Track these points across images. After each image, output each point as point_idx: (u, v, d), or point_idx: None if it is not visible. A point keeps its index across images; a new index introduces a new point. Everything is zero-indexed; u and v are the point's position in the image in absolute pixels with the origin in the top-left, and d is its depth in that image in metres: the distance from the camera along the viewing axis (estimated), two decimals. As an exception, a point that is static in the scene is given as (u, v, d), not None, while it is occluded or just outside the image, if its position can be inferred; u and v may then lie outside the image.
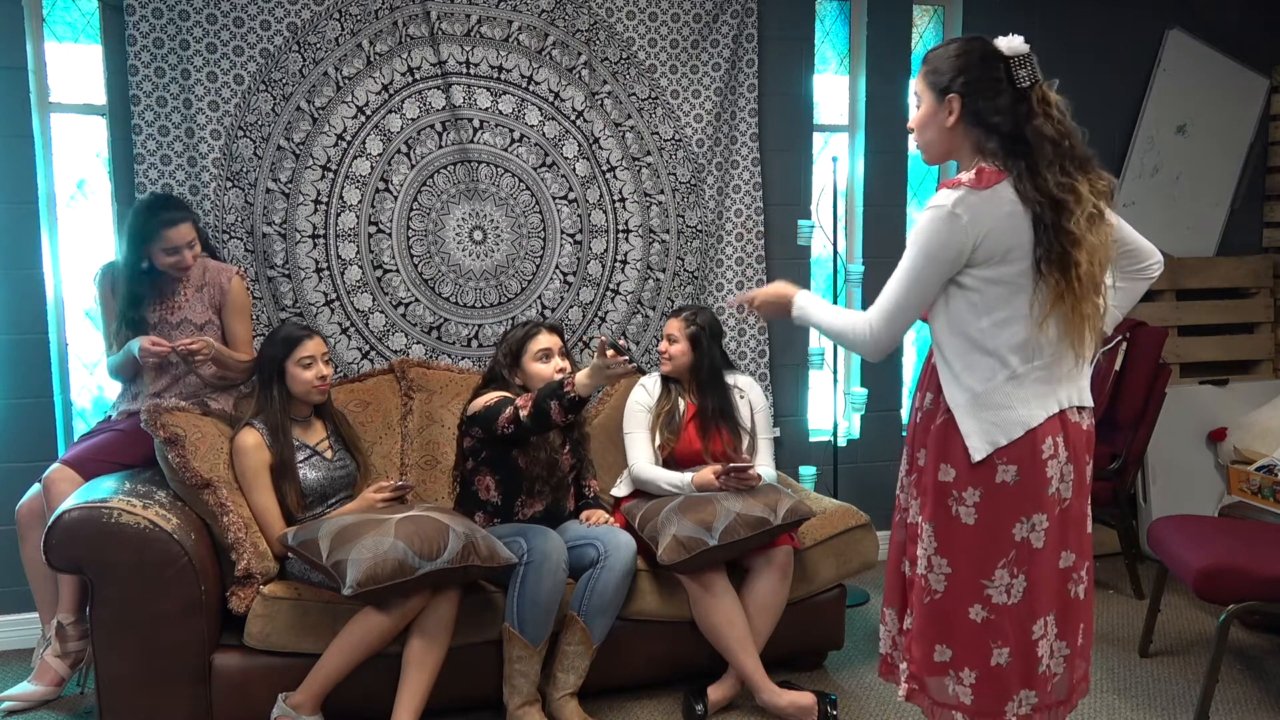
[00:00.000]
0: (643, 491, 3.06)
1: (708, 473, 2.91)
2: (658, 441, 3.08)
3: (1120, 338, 3.79)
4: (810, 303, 2.09)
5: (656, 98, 3.67)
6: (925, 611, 1.96)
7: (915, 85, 1.98)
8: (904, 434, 2.12)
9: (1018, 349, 1.87)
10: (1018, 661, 1.92)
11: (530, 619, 2.61)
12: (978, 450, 1.87)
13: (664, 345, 3.16)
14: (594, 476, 3.14)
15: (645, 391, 3.17)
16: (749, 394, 3.19)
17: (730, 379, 3.18)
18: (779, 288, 2.15)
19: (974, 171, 1.86)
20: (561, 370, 2.88)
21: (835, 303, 3.79)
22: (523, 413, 2.61)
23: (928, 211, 1.86)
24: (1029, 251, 1.84)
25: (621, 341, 2.46)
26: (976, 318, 1.87)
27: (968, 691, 1.93)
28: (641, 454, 3.07)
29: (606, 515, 2.97)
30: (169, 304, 2.92)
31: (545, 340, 2.93)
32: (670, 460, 3.07)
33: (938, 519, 1.93)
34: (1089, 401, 1.98)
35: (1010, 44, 1.90)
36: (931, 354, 1.99)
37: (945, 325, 1.92)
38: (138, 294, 2.87)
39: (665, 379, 3.17)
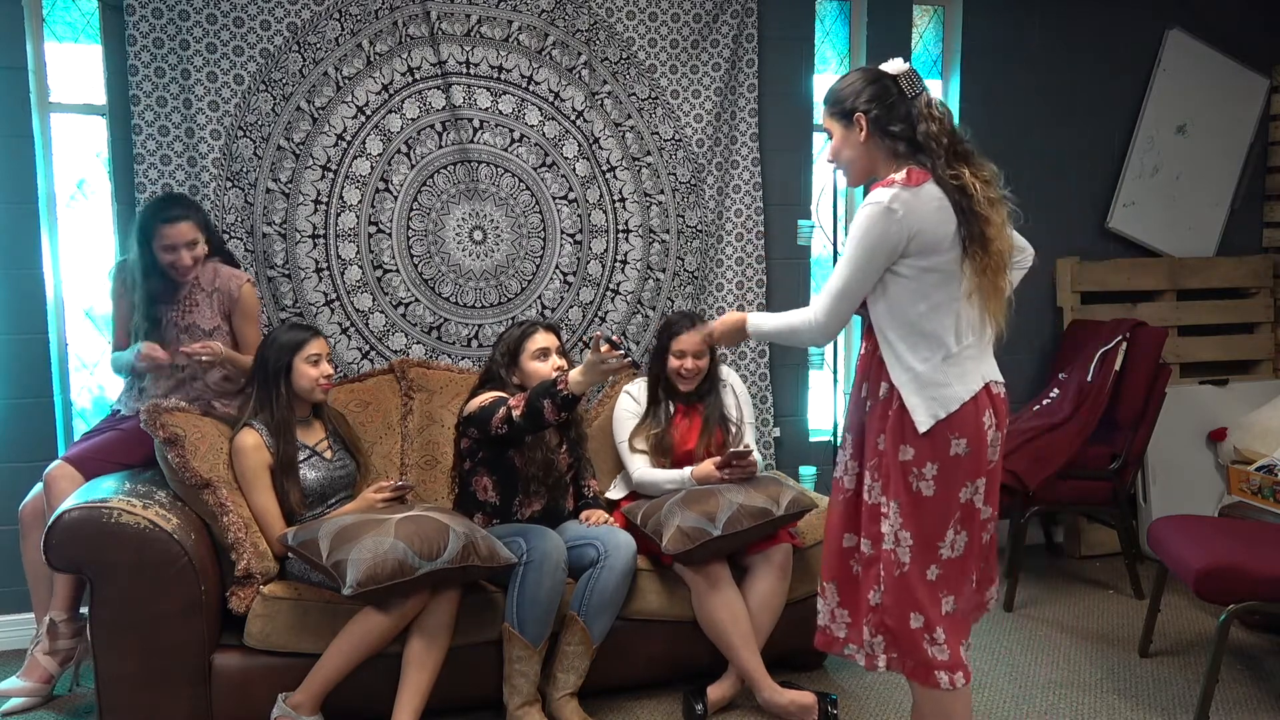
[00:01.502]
0: (640, 495, 3.06)
1: (707, 465, 2.93)
2: (647, 458, 3.06)
3: (1120, 338, 3.80)
4: (759, 319, 2.30)
5: (656, 98, 3.67)
6: (897, 585, 2.09)
7: (824, 122, 2.20)
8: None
9: (952, 330, 2.07)
10: (961, 605, 2.11)
11: (530, 619, 2.61)
12: (923, 423, 2.04)
13: (689, 363, 3.06)
14: (593, 476, 3.14)
15: (632, 399, 3.16)
16: (730, 381, 3.22)
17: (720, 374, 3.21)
18: (729, 317, 2.36)
19: (904, 172, 2.06)
20: (559, 369, 2.88)
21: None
22: (515, 412, 2.60)
23: (866, 208, 2.04)
24: (956, 240, 2.04)
25: (617, 338, 2.48)
26: (915, 303, 2.06)
27: (943, 649, 2.08)
28: (638, 460, 3.07)
29: (606, 515, 2.97)
30: (180, 307, 2.92)
31: (542, 339, 2.93)
32: (668, 465, 3.06)
33: (901, 496, 2.08)
34: (1000, 376, 2.17)
35: (894, 65, 2.13)
36: (871, 345, 2.16)
37: (886, 311, 2.10)
38: (153, 292, 2.88)
39: (656, 387, 3.13)
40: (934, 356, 2.06)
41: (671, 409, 3.12)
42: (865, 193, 2.10)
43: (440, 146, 3.47)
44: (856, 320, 2.21)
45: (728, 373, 3.25)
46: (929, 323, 2.06)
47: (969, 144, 2.10)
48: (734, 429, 3.13)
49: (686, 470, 2.97)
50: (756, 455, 3.04)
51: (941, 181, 2.04)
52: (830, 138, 2.19)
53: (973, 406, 2.05)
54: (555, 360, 2.91)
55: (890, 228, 2.01)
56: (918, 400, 2.05)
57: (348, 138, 3.38)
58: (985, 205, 2.04)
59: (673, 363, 3.09)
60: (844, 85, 2.15)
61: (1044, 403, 3.94)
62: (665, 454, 3.07)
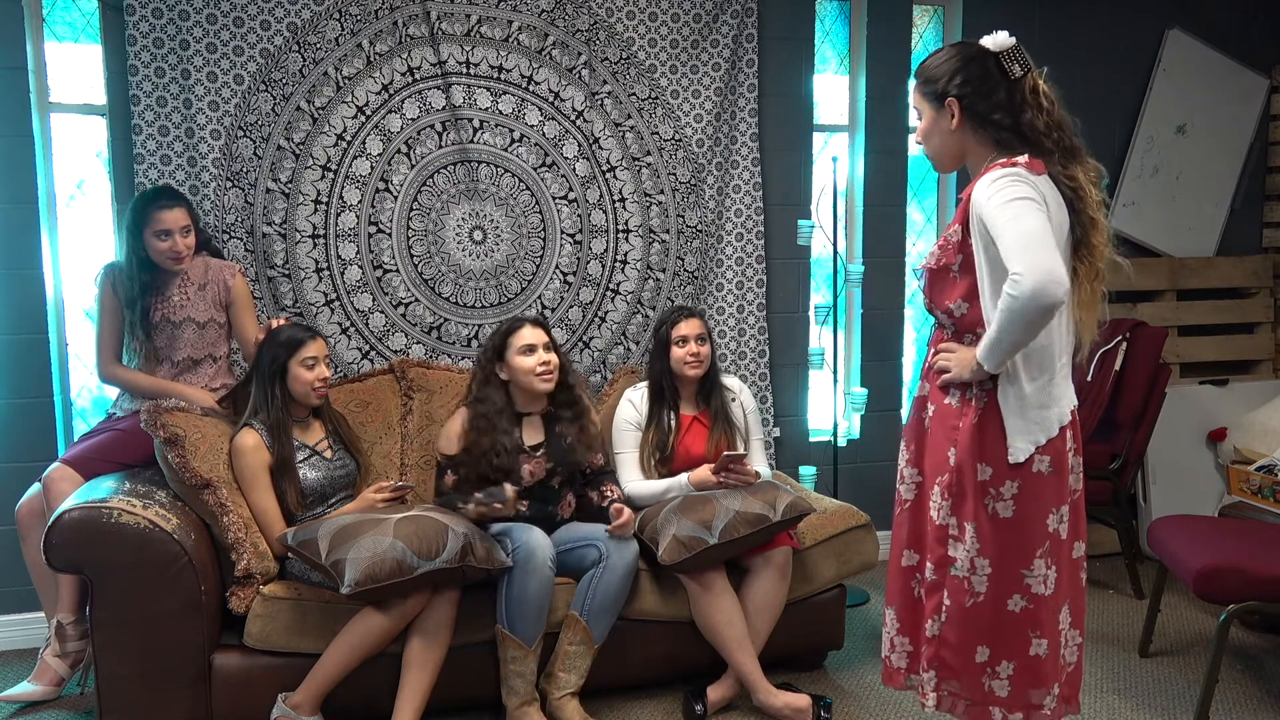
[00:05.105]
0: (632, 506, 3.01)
1: (704, 471, 2.91)
2: (649, 467, 3.02)
3: (1120, 338, 3.80)
4: (983, 344, 1.86)
5: (656, 98, 3.67)
6: (965, 616, 1.93)
7: (913, 99, 1.98)
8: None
9: (1058, 345, 1.89)
10: (1052, 652, 1.93)
11: (519, 618, 2.61)
12: (1022, 451, 1.87)
13: (692, 348, 3.02)
14: (614, 483, 3.02)
15: (634, 408, 3.09)
16: (740, 396, 3.16)
17: (722, 379, 3.17)
18: (962, 354, 1.93)
19: (1025, 156, 1.85)
20: (545, 364, 2.84)
21: (834, 303, 3.80)
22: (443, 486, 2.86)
23: (995, 180, 1.78)
24: (1069, 241, 1.88)
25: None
26: None
27: (1004, 684, 1.92)
28: (633, 474, 3.03)
29: (632, 514, 2.84)
30: (171, 303, 2.92)
31: (530, 335, 2.86)
32: (670, 473, 3.03)
33: (978, 519, 1.91)
34: (1075, 398, 2.03)
35: (996, 40, 1.91)
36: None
37: None
38: (142, 286, 2.87)
39: (659, 387, 3.09)
40: (1043, 375, 1.86)
41: (677, 416, 3.08)
42: (957, 184, 1.91)
43: (440, 146, 3.47)
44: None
45: (739, 386, 3.19)
46: (1045, 335, 1.84)
47: (1079, 138, 1.89)
48: (740, 437, 3.10)
49: (684, 476, 2.95)
50: (765, 470, 3.02)
51: (1057, 180, 1.84)
52: (919, 116, 1.98)
53: (1064, 426, 1.90)
54: (542, 355, 2.85)
55: (1032, 189, 1.76)
56: (1020, 424, 1.86)
57: (348, 138, 3.38)
58: (1095, 208, 1.87)
59: (676, 352, 3.05)
60: (936, 62, 1.92)
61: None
62: (667, 463, 3.04)
